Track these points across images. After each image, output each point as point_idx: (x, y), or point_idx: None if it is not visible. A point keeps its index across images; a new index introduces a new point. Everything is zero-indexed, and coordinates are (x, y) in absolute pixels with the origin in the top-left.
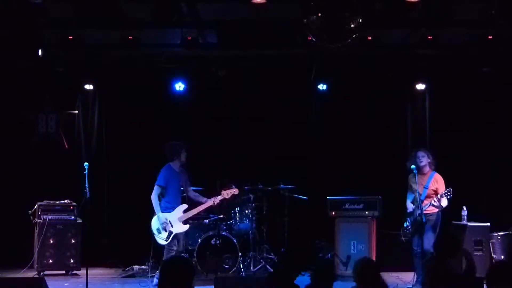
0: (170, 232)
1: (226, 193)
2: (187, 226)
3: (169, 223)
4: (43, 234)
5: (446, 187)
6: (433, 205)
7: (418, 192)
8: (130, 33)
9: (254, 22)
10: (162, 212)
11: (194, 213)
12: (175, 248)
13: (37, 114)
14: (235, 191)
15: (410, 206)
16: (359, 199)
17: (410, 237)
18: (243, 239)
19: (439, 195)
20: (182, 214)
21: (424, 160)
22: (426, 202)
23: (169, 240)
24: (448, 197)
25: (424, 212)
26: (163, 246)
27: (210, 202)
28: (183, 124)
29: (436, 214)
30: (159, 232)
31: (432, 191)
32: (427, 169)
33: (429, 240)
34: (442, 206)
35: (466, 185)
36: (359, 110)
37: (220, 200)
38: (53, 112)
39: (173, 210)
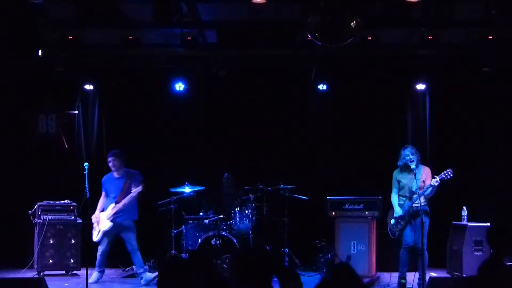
0: (99, 230)
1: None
2: (108, 224)
3: (100, 221)
4: (43, 234)
5: (446, 168)
6: (432, 186)
7: (410, 185)
8: (130, 33)
9: (254, 22)
10: (101, 211)
11: (115, 210)
12: (101, 247)
13: (37, 114)
14: (138, 189)
15: (398, 209)
16: (359, 199)
17: (400, 232)
18: (243, 239)
19: (437, 177)
20: (110, 211)
21: (415, 158)
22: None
23: (98, 238)
24: (448, 177)
25: (414, 204)
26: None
27: (128, 197)
28: (183, 124)
29: (424, 209)
30: (94, 229)
31: (422, 182)
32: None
33: (419, 236)
34: (435, 186)
35: (466, 185)
36: (359, 110)
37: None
38: (53, 112)
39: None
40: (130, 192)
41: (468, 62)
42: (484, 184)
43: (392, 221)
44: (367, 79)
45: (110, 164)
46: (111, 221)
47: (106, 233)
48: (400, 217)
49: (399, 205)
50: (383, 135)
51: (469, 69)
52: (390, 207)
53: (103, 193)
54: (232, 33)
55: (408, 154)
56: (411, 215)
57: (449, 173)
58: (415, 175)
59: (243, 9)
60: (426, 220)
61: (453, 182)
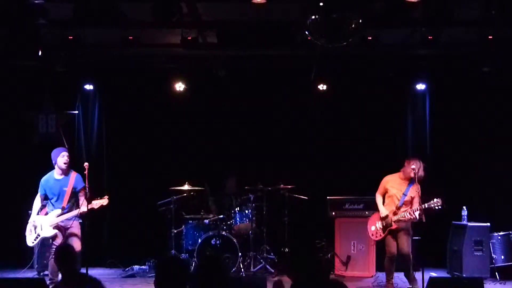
0: (38, 235)
1: (96, 204)
2: (54, 231)
3: (39, 225)
4: None
5: (437, 196)
6: (408, 216)
7: (398, 198)
8: (130, 33)
9: (254, 22)
10: (37, 214)
11: (62, 219)
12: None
13: (37, 114)
14: (104, 202)
15: (384, 210)
16: (359, 199)
17: (382, 239)
18: (243, 239)
19: (415, 208)
20: (55, 218)
21: (420, 171)
22: (402, 210)
23: (35, 243)
24: (438, 207)
25: (399, 218)
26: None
27: (75, 212)
28: (183, 124)
29: (407, 226)
30: (30, 233)
31: (410, 197)
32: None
33: (407, 244)
34: (416, 218)
35: (466, 185)
36: (359, 110)
37: (87, 210)
38: (53, 112)
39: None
40: (75, 196)
41: (468, 62)
42: (484, 184)
43: (373, 228)
44: (367, 79)
45: (64, 161)
46: (55, 228)
47: (45, 239)
48: (381, 227)
49: (383, 217)
50: (383, 135)
51: (469, 69)
52: (374, 211)
53: (41, 196)
54: (232, 33)
55: (413, 166)
56: (391, 229)
57: (438, 203)
58: (405, 189)
59: (243, 9)
60: (409, 230)
61: (453, 182)
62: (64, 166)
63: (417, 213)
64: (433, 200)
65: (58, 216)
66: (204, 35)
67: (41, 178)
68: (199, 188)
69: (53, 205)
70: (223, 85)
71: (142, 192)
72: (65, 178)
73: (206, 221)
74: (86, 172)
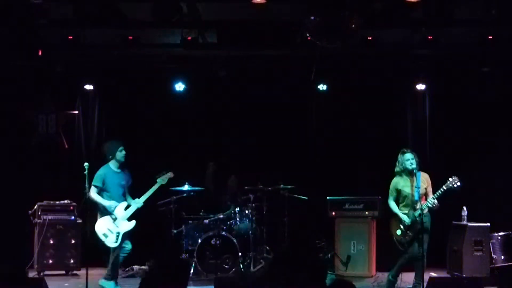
0: (118, 233)
1: (162, 180)
2: (133, 222)
3: (111, 224)
4: (43, 234)
5: (450, 175)
6: (429, 207)
7: (412, 195)
8: (130, 33)
9: (254, 22)
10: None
11: (133, 210)
12: (127, 247)
13: (37, 114)
14: (170, 175)
15: (407, 218)
16: (359, 199)
17: (409, 243)
18: (243, 239)
19: (431, 197)
20: (124, 212)
21: (415, 162)
22: (419, 203)
23: (119, 241)
24: (457, 185)
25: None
26: (112, 248)
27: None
28: (183, 124)
29: (428, 215)
30: (106, 236)
31: (424, 189)
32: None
33: (425, 243)
34: (438, 205)
35: (466, 185)
36: (359, 110)
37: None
38: (53, 112)
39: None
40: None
41: (468, 62)
42: (484, 184)
43: (399, 232)
44: (367, 79)
45: (123, 155)
46: (130, 219)
47: (124, 235)
48: (408, 228)
49: (407, 224)
50: (383, 135)
51: (469, 69)
52: (391, 216)
53: (97, 188)
54: (232, 33)
55: (408, 158)
56: (418, 226)
57: (456, 180)
58: (415, 182)
59: (243, 9)
60: (428, 228)
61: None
62: (123, 160)
63: (435, 200)
64: (449, 179)
65: (127, 209)
66: (204, 35)
67: (42, 178)
68: (199, 188)
69: (109, 197)
70: (223, 85)
71: (142, 192)
72: (121, 172)
73: (206, 221)
74: (86, 172)
